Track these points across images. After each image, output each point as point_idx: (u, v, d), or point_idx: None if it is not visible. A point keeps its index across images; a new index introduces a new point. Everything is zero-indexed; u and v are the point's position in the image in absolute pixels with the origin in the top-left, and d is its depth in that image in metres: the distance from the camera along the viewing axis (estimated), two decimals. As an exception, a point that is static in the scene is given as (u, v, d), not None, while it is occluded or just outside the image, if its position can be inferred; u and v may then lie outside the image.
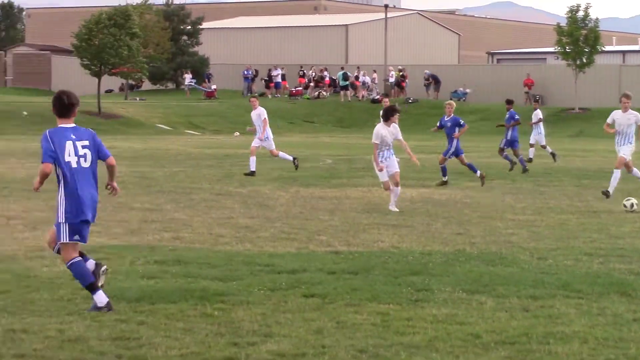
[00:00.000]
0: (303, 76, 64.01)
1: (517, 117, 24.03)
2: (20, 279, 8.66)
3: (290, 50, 70.36)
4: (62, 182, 7.44)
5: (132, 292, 8.04)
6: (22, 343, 6.31)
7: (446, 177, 20.10)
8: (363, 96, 60.36)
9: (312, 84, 63.31)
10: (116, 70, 50.76)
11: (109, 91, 62.30)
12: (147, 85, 65.15)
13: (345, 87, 60.56)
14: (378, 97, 55.15)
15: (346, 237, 12.27)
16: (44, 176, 7.49)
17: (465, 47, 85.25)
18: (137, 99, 59.25)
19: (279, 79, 62.37)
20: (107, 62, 47.23)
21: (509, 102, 24.83)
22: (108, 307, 7.33)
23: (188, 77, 62.59)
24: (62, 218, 7.41)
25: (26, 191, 16.76)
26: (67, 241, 7.45)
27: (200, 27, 69.18)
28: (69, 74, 66.89)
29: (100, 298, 7.36)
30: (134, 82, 62.29)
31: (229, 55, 69.30)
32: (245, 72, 62.53)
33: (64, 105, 7.66)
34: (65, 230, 7.42)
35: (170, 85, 66.23)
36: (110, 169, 7.88)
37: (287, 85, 62.89)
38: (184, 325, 6.97)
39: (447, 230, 13.09)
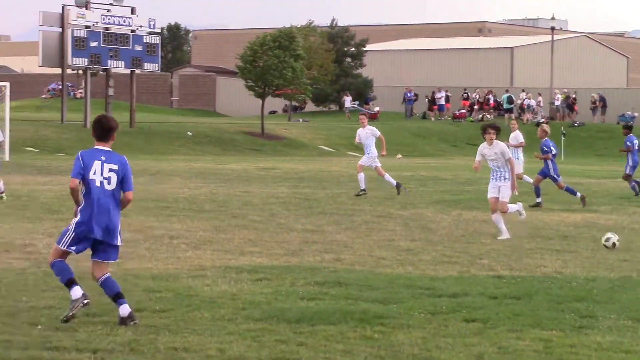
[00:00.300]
0: (467, 99, 63.67)
1: (628, 143, 23.35)
2: (182, 298, 8.87)
3: (454, 72, 70.07)
4: (85, 197, 7.74)
5: (292, 313, 8.13)
6: (182, 361, 6.40)
7: (539, 199, 19.90)
8: (528, 119, 58.94)
9: (476, 107, 62.76)
10: (280, 91, 51.80)
11: (273, 112, 64.15)
12: (310, 106, 66.61)
13: (509, 110, 59.57)
14: (543, 120, 53.60)
15: (508, 262, 12.09)
16: (72, 191, 7.87)
17: (635, 70, 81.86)
18: (300, 120, 60.59)
19: (442, 101, 62.41)
20: (271, 83, 48.27)
21: (627, 128, 24.47)
22: (84, 297, 7.52)
23: (348, 100, 63.49)
24: (72, 226, 7.72)
25: (190, 210, 17.50)
26: (64, 248, 7.73)
27: (364, 49, 69.75)
28: (233, 95, 69.50)
29: (76, 292, 7.55)
30: (297, 104, 63.91)
31: (392, 77, 69.75)
32: (407, 95, 62.58)
33: (103, 129, 8.00)
34: (68, 237, 7.71)
35: (333, 107, 67.35)
36: (124, 202, 8.00)
37: (451, 108, 62.73)
38: (344, 347, 6.99)
39: (613, 256, 12.66)
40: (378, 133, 21.81)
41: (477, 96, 63.32)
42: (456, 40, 78.49)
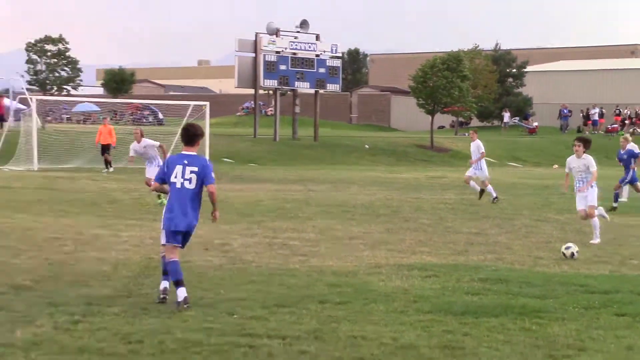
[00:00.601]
0: (619, 114, 62.99)
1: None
2: (359, 292, 9.23)
3: (607, 90, 68.03)
4: (169, 198, 8.44)
5: (458, 306, 8.40)
6: (360, 348, 6.86)
7: (616, 204, 19.71)
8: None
9: (627, 122, 62.04)
10: (447, 109, 52.69)
11: (441, 127, 64.35)
12: (475, 122, 66.40)
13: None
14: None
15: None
16: (155, 188, 9.01)
17: None
18: (466, 134, 60.43)
19: (596, 117, 61.95)
20: (440, 101, 49.07)
21: None
22: (185, 301, 7.99)
23: (507, 115, 63.94)
24: (162, 225, 8.44)
25: (367, 214, 17.90)
26: (164, 243, 8.39)
27: (525, 70, 69.78)
28: (406, 112, 70.25)
29: (181, 293, 8.05)
30: (463, 120, 64.09)
31: (549, 95, 68.29)
32: (563, 111, 62.61)
33: (189, 135, 8.63)
34: (163, 235, 8.41)
35: (496, 122, 66.82)
36: (211, 196, 8.39)
37: (604, 123, 62.09)
38: (504, 337, 7.25)
39: None
40: (482, 149, 21.74)
41: (629, 112, 63.13)
42: (610, 62, 76.24)
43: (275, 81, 45.33)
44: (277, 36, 45.33)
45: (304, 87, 46.84)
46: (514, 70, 69.36)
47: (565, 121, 62.37)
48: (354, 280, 10.08)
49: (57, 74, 79.83)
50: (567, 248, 12.02)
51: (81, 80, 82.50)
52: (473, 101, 53.40)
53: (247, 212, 17.67)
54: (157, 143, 19.78)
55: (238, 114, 69.11)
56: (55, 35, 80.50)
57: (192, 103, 37.59)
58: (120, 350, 6.71)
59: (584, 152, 13.69)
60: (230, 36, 52.03)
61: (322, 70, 46.70)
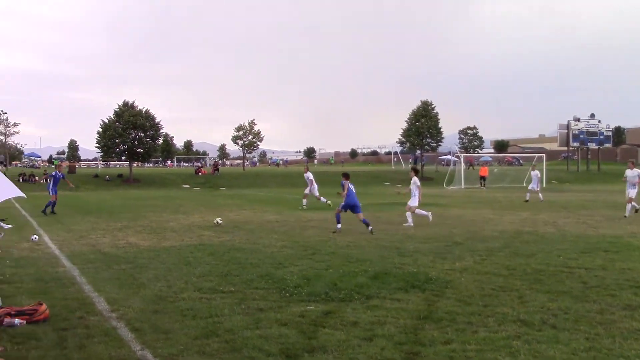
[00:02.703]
0: None
1: None
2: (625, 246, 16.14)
3: None
4: None
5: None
6: (629, 273, 8.54)
7: None
8: None
9: None
10: None
11: None
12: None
13: None
14: None
15: None
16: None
17: None
18: None
19: None
20: None
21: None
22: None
23: None
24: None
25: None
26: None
27: None
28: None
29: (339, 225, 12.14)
30: None
31: None
32: None
33: None
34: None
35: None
36: None
37: None
38: None
39: None
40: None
41: None
42: None
43: (577, 143, 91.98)
44: (578, 121, 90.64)
45: (591, 145, 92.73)
46: None
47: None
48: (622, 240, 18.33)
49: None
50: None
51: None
52: None
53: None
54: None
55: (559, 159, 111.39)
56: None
57: (536, 155, 71.32)
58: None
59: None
60: (556, 122, 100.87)
61: (601, 137, 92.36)
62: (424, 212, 24.42)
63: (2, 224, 23.65)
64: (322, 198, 35.18)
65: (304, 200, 34.30)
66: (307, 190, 35.15)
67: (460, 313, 9.76)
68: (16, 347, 8.38)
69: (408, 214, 23.98)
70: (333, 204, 32.74)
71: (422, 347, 8.10)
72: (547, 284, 12.01)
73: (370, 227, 20.98)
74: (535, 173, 39.47)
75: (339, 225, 21.56)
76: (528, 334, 8.65)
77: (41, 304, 10.01)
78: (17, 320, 9.52)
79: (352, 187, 21.90)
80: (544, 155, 75.18)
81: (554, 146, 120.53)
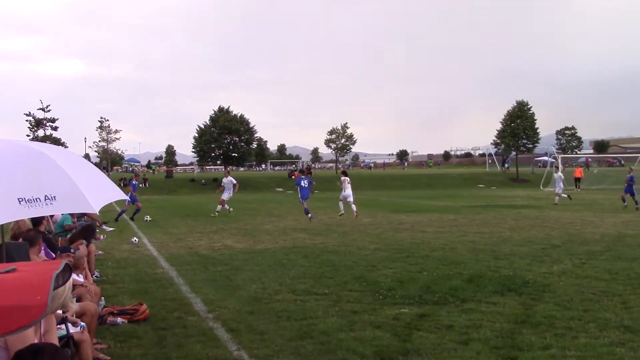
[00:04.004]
0: None
1: None
2: None
3: None
4: None
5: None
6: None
7: None
8: None
9: None
10: None
11: None
12: None
13: None
14: None
15: None
16: None
17: None
18: None
19: None
20: None
21: None
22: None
23: None
24: None
25: None
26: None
27: None
28: None
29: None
30: None
31: None
32: None
33: None
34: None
35: None
36: None
37: None
38: None
39: None
40: None
41: None
42: None
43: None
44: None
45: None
46: None
47: None
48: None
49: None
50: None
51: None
52: None
53: None
54: None
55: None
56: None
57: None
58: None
59: None
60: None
61: None
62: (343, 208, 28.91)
63: (104, 227, 24.57)
64: (226, 205, 32.82)
65: (220, 207, 32.47)
66: (224, 196, 33.03)
67: (559, 318, 9.48)
68: (119, 345, 8.67)
69: (340, 203, 29.06)
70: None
71: (520, 352, 7.91)
72: (653, 289, 11.54)
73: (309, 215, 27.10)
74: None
75: (310, 215, 27.54)
76: (633, 340, 8.32)
77: (142, 304, 10.34)
78: (119, 319, 9.86)
79: (306, 183, 28.90)
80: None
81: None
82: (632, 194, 33.87)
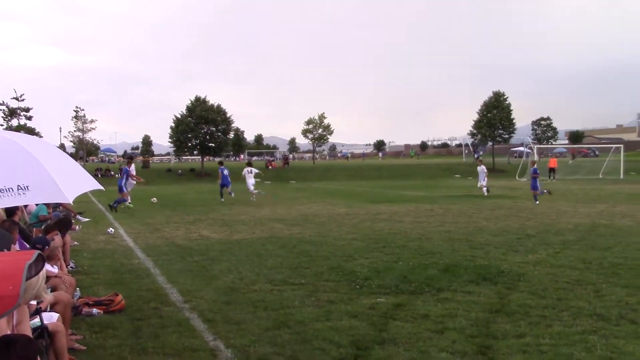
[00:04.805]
0: None
1: None
2: None
3: None
4: None
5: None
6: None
7: None
8: None
9: None
10: None
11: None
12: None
13: None
14: None
15: None
16: None
17: None
18: None
19: None
20: None
21: None
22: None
23: None
24: None
25: None
26: None
27: None
28: None
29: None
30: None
31: None
32: None
33: None
34: None
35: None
36: None
37: None
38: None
39: None
40: None
41: None
42: None
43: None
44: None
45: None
46: None
47: None
48: None
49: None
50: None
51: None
52: None
53: None
54: None
55: None
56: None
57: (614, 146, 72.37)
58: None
59: None
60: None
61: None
62: None
63: (79, 217, 24.38)
64: (128, 198, 30.95)
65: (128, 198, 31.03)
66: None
67: (533, 306, 9.58)
68: (94, 335, 8.63)
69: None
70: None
71: (495, 340, 7.99)
72: (625, 278, 11.68)
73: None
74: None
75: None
76: (605, 328, 8.43)
77: (117, 295, 10.29)
78: (94, 310, 9.81)
79: (226, 172, 34.56)
80: (622, 145, 72.28)
81: (633, 136, 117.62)
82: (534, 187, 31.62)
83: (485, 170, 38.66)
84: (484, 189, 37.71)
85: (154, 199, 35.64)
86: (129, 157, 40.26)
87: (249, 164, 36.83)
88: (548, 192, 34.63)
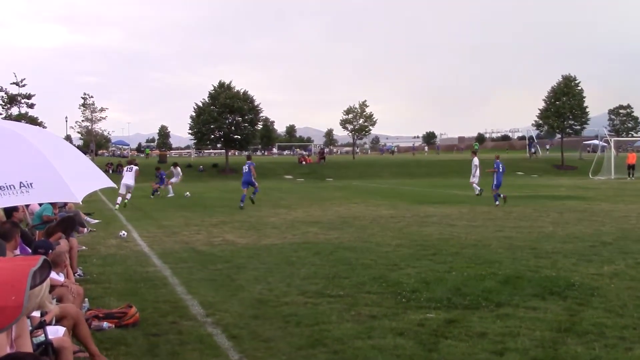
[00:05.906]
0: None
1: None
2: None
3: None
4: None
5: None
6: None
7: None
8: None
9: None
10: None
11: None
12: None
13: None
14: None
15: None
16: None
17: None
18: None
19: None
20: None
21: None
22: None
23: None
24: None
25: None
26: None
27: None
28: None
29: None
30: None
31: None
32: None
33: None
34: None
35: None
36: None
37: None
38: None
39: None
40: None
41: None
42: None
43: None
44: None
45: None
46: None
47: None
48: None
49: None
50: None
51: None
52: None
53: None
54: None
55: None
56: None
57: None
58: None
59: None
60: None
61: None
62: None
63: (88, 219, 24.68)
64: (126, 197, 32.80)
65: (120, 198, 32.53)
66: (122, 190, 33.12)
67: (609, 326, 9.47)
68: (104, 352, 8.73)
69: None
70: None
71: (563, 364, 7.93)
72: None
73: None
74: None
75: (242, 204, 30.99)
76: (693, 352, 8.31)
77: (131, 307, 10.40)
78: (105, 324, 9.93)
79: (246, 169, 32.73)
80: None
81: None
82: (497, 185, 31.74)
83: (476, 163, 36.53)
84: (474, 184, 36.80)
85: (187, 193, 40.36)
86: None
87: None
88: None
